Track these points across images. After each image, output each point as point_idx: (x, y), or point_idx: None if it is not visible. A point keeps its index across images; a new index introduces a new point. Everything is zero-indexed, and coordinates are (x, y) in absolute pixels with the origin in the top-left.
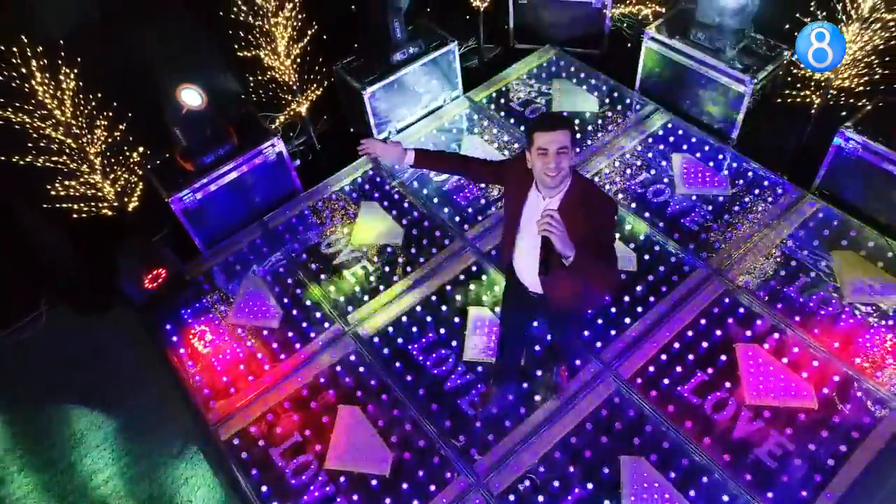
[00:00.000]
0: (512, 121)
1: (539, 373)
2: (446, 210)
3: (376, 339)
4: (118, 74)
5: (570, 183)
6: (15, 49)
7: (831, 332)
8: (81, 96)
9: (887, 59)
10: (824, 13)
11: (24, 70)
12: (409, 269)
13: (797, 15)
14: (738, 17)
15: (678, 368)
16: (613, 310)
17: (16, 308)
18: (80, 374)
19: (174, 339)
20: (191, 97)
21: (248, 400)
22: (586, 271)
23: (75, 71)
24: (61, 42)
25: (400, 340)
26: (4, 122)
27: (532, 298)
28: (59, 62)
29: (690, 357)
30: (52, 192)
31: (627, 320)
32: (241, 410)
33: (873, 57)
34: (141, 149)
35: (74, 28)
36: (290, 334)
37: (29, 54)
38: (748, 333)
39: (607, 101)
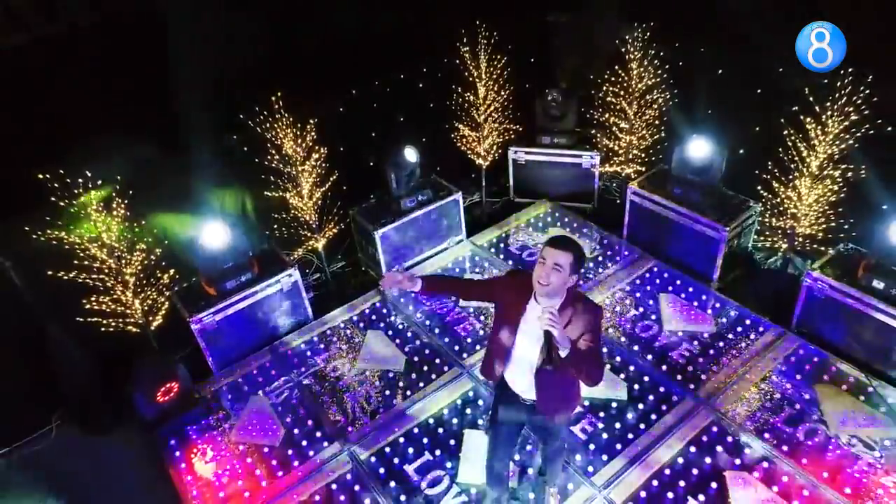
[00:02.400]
0: (510, 263)
1: (531, 496)
2: (446, 339)
3: (373, 459)
4: (161, 206)
5: (565, 298)
6: (80, 180)
7: (819, 462)
8: (127, 223)
9: (840, 209)
10: (787, 176)
11: (83, 199)
12: (408, 392)
13: (756, 171)
14: (707, 173)
15: (669, 495)
16: (605, 436)
17: (28, 422)
18: (82, 490)
19: (177, 454)
20: (212, 235)
21: None
22: (579, 364)
23: (126, 201)
24: (118, 177)
25: (396, 461)
26: (58, 241)
27: (523, 408)
28: (114, 194)
29: (681, 484)
30: (87, 307)
31: (618, 446)
32: None
33: (828, 208)
34: (172, 271)
35: (131, 169)
36: (290, 452)
37: (90, 186)
38: (737, 462)
39: (598, 247)
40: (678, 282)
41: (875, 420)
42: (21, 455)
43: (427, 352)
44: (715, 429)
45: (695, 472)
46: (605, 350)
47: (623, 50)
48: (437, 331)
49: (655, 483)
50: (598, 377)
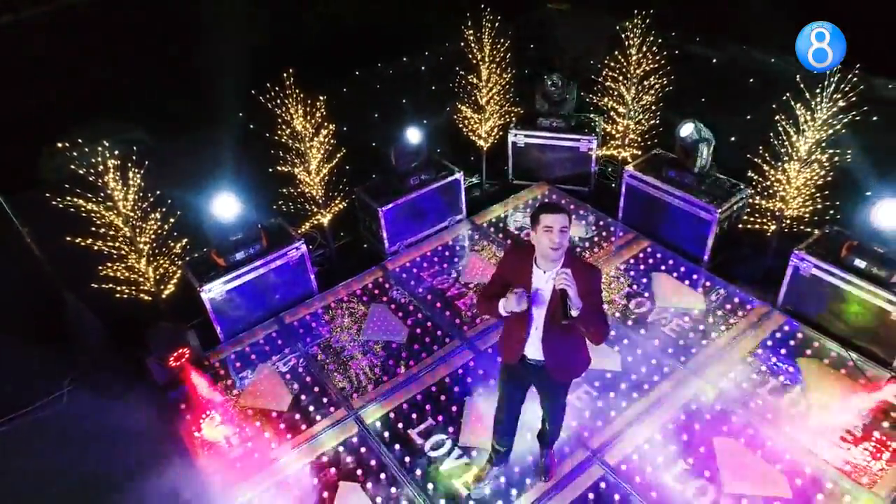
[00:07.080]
0: (508, 242)
1: (529, 458)
2: (448, 313)
3: (378, 423)
4: (176, 177)
5: (564, 260)
6: (99, 149)
7: (801, 429)
8: (142, 193)
9: (826, 192)
10: (776, 160)
11: (101, 167)
12: (411, 362)
13: (748, 156)
14: (700, 162)
15: (660, 459)
16: (600, 404)
17: (39, 387)
18: (92, 453)
19: (187, 417)
20: (225, 207)
21: (252, 475)
22: (587, 322)
23: (141, 172)
24: (134, 147)
25: (400, 425)
26: (75, 208)
27: (531, 369)
28: (130, 164)
29: (672, 448)
30: (102, 273)
31: (612, 413)
32: (244, 485)
33: (815, 191)
34: (184, 241)
35: (147, 138)
36: (297, 416)
37: (108, 155)
38: (724, 428)
39: (594, 228)
40: (671, 261)
41: (852, 390)
42: (33, 418)
43: (429, 324)
44: (703, 398)
45: (684, 437)
46: None
47: (623, 36)
48: (438, 305)
49: (647, 446)
50: (605, 332)
